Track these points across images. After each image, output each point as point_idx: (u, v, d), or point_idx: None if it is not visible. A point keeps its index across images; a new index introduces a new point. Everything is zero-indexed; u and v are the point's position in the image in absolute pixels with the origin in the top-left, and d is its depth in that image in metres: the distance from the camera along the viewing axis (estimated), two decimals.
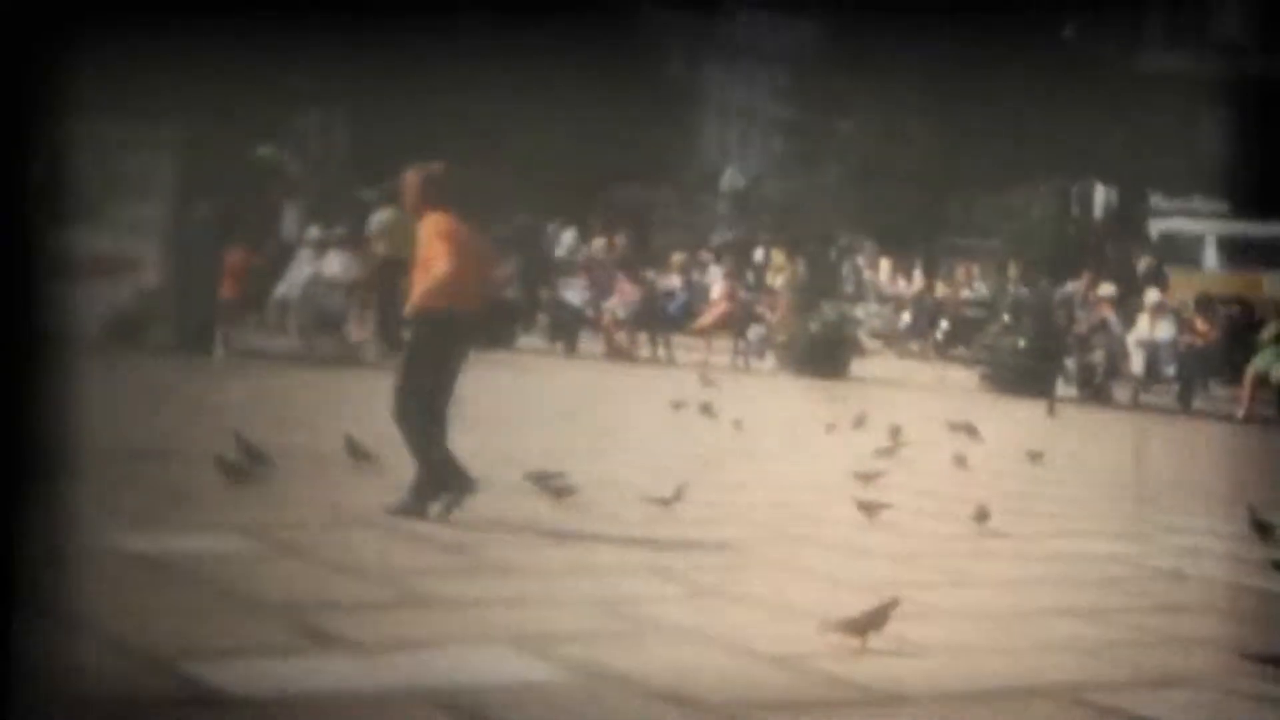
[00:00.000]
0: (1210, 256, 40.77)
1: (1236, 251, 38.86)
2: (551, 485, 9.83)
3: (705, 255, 38.29)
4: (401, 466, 9.30)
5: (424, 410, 9.05)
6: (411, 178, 9.35)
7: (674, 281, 27.21)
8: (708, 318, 26.11)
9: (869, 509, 9.96)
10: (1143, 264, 35.64)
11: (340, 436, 10.91)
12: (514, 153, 46.54)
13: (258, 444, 10.12)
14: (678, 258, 29.01)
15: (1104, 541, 10.36)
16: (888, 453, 13.43)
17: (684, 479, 10.24)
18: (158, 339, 18.88)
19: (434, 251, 8.99)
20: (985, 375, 23.99)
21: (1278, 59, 49.21)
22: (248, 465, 9.82)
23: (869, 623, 6.64)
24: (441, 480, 9.00)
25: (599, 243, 30.11)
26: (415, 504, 9.00)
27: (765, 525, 9.79)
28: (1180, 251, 41.07)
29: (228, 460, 9.68)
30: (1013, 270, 38.49)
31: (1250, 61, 51.58)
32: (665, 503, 9.76)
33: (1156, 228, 43.89)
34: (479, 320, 9.50)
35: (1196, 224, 42.41)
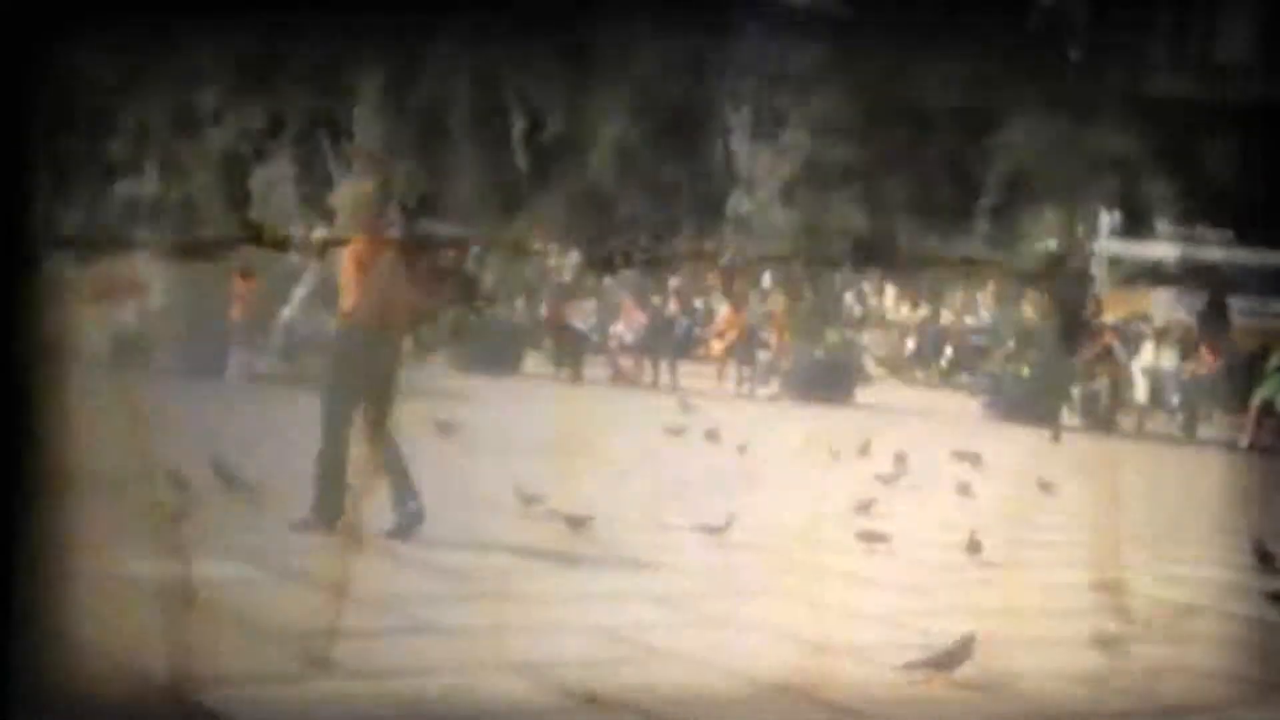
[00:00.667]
0: (1101, 275, 41.52)
1: (1127, 271, 39.16)
2: (569, 516, 9.75)
3: (711, 280, 38.27)
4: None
5: (341, 430, 9.15)
6: (341, 196, 9.46)
7: (677, 307, 27.17)
8: (717, 344, 26.09)
9: (870, 538, 9.95)
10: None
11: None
12: (517, 177, 46.56)
13: (233, 467, 10.10)
14: (678, 283, 28.99)
15: (1108, 570, 10.34)
16: (891, 480, 13.41)
17: (688, 505, 10.24)
18: (165, 361, 18.82)
19: (346, 275, 9.13)
20: (989, 403, 23.96)
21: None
22: (226, 488, 9.85)
23: (950, 660, 6.64)
24: (322, 492, 9.09)
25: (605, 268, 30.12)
26: (316, 519, 9.05)
27: (769, 552, 9.78)
28: (1125, 271, 42.06)
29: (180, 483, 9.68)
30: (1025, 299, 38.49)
31: (1256, 85, 51.60)
32: (715, 531, 9.78)
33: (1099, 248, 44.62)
34: (392, 342, 9.54)
35: (1143, 246, 43.15)
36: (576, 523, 9.63)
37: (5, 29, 3.75)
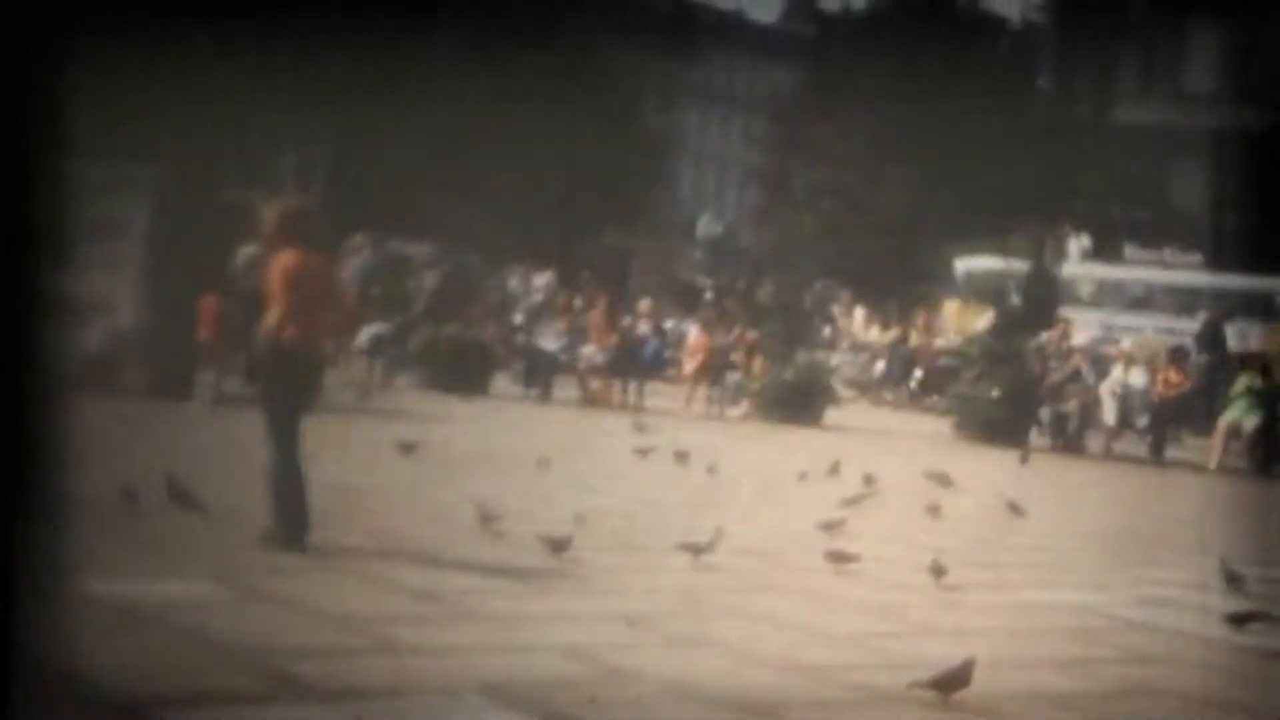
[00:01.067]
0: (1012, 294, 42.22)
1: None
2: (550, 539, 9.68)
3: (681, 302, 38.34)
4: (365, 511, 9.27)
5: (291, 444, 9.22)
6: (268, 211, 9.50)
7: (646, 329, 27.17)
8: (688, 365, 26.09)
9: (838, 559, 9.94)
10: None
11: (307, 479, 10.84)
12: (491, 198, 46.61)
13: (189, 486, 10.08)
14: (646, 305, 29.00)
15: (1077, 592, 10.37)
16: (860, 501, 13.41)
17: (656, 526, 10.23)
18: (132, 382, 18.69)
19: (273, 289, 9.17)
20: (958, 424, 24.02)
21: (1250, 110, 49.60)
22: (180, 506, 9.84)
23: (951, 681, 6.74)
24: (281, 510, 9.12)
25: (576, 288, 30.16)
26: (281, 537, 9.11)
27: (737, 573, 9.77)
28: (981, 289, 42.86)
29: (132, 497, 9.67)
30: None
31: (1223, 112, 51.97)
32: (697, 550, 9.77)
33: (960, 266, 45.51)
34: (317, 359, 9.62)
35: (996, 262, 44.01)
36: (557, 545, 9.57)
37: None
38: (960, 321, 40.90)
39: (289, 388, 9.21)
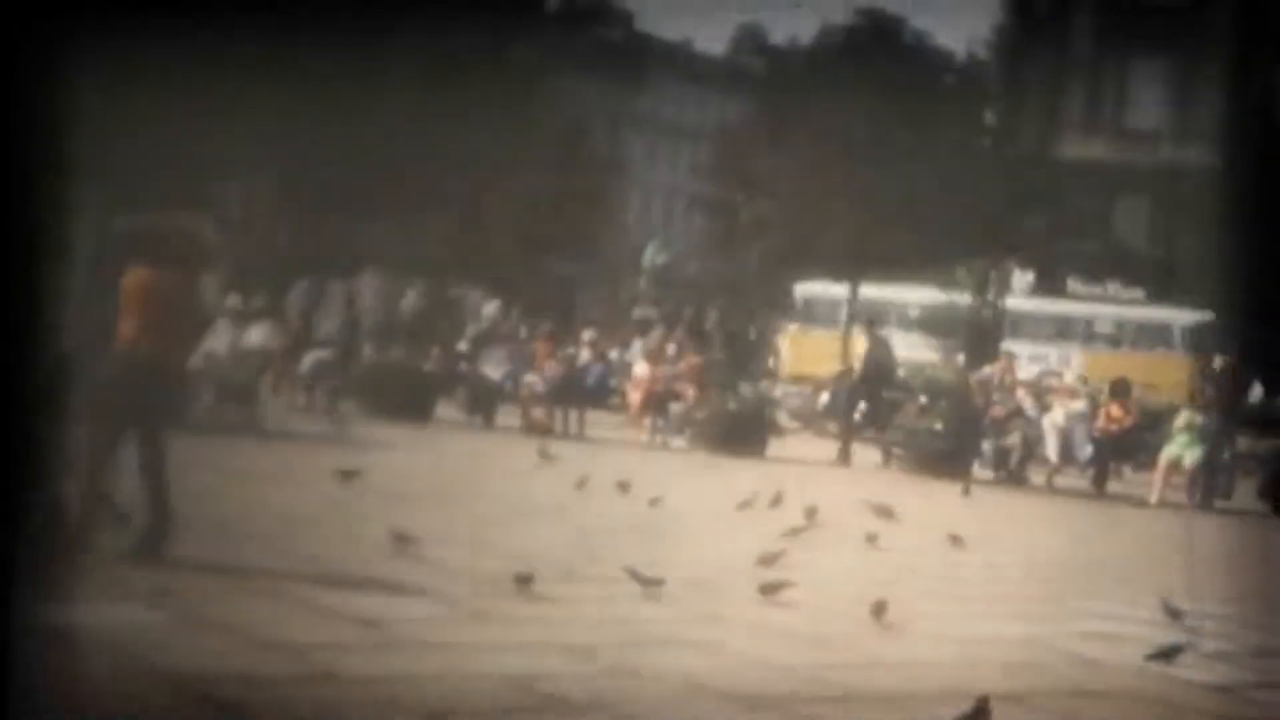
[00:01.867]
0: (840, 317, 43.11)
1: (860, 313, 40.27)
2: (516, 575, 9.58)
3: (626, 332, 38.36)
4: (304, 538, 9.21)
5: (107, 458, 9.35)
6: (119, 230, 9.67)
7: (586, 356, 27.12)
8: (633, 395, 26.05)
9: (778, 589, 9.90)
10: None
11: (247, 505, 10.81)
12: (438, 225, 46.55)
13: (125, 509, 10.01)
14: (588, 334, 28.99)
15: (1018, 624, 10.38)
16: (800, 533, 13.39)
17: (597, 555, 10.19)
18: (75, 407, 18.51)
19: (128, 301, 9.33)
20: (901, 456, 24.08)
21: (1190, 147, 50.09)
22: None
23: None
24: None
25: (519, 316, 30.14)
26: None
27: (677, 603, 9.74)
28: (818, 314, 44.36)
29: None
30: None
31: (1166, 149, 52.45)
32: (646, 582, 9.71)
33: (799, 291, 46.48)
34: (170, 370, 9.74)
35: (833, 288, 44.92)
36: (522, 580, 9.48)
37: None
38: (795, 347, 41.84)
39: (131, 400, 9.32)
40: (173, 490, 9.46)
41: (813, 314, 45.60)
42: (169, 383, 9.80)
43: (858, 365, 26.56)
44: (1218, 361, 27.49)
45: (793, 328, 45.19)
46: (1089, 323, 43.82)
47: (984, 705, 6.75)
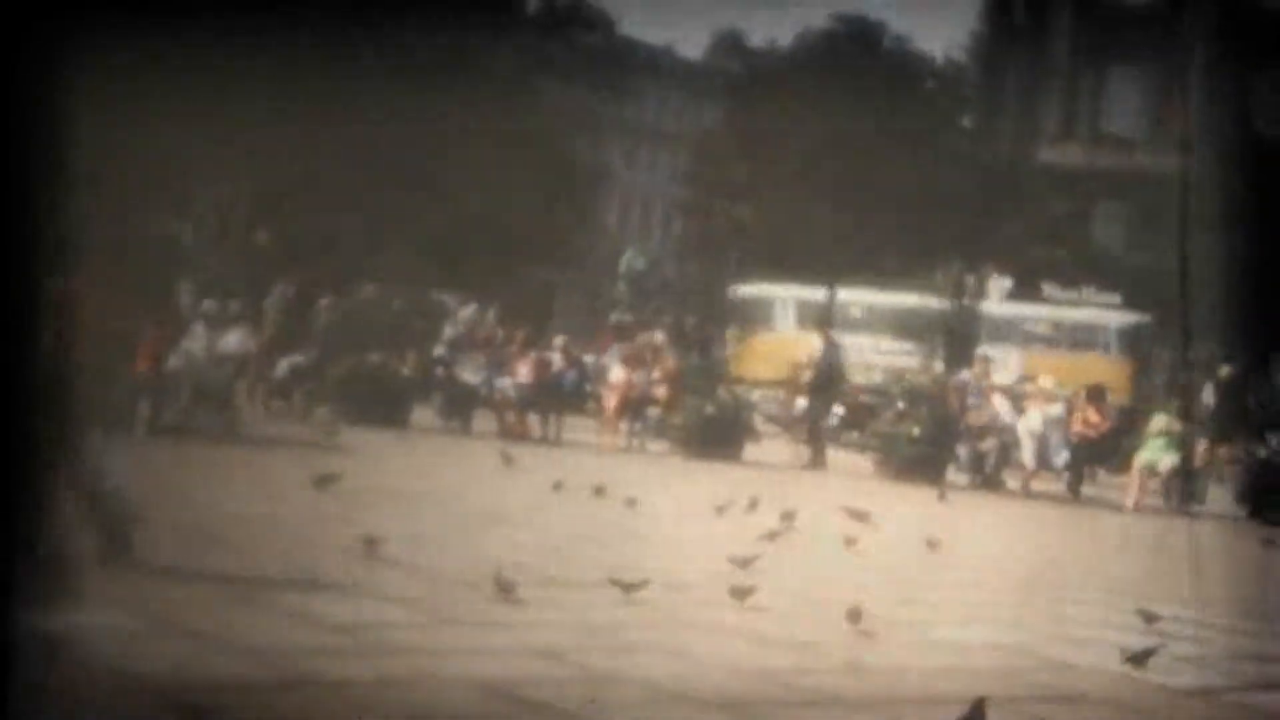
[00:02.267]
0: (786, 319, 43.27)
1: (807, 315, 40.36)
2: (498, 578, 9.56)
3: (601, 337, 38.38)
4: (279, 543, 9.19)
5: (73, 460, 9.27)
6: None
7: (559, 361, 27.09)
8: (610, 399, 26.04)
9: (742, 594, 9.89)
10: None
11: (223, 510, 10.78)
12: (416, 230, 46.53)
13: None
14: (560, 340, 29.01)
15: (994, 629, 10.39)
16: (777, 537, 13.40)
17: (572, 560, 10.19)
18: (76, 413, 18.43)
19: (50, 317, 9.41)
20: (878, 461, 24.11)
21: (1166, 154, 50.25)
22: None
23: None
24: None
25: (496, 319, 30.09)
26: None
27: (651, 607, 9.73)
28: (756, 315, 44.40)
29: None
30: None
31: (1143, 154, 52.62)
32: (627, 587, 9.70)
33: (736, 292, 46.84)
34: (102, 371, 9.78)
35: (773, 289, 45.19)
36: (504, 586, 9.45)
37: None
38: (739, 349, 42.06)
39: (59, 412, 9.38)
40: (148, 495, 9.43)
41: (745, 315, 45.61)
42: (95, 394, 9.75)
43: (809, 370, 26.49)
44: (1222, 370, 27.73)
45: (735, 330, 45.32)
46: (1026, 324, 43.72)
47: (980, 709, 6.73)
